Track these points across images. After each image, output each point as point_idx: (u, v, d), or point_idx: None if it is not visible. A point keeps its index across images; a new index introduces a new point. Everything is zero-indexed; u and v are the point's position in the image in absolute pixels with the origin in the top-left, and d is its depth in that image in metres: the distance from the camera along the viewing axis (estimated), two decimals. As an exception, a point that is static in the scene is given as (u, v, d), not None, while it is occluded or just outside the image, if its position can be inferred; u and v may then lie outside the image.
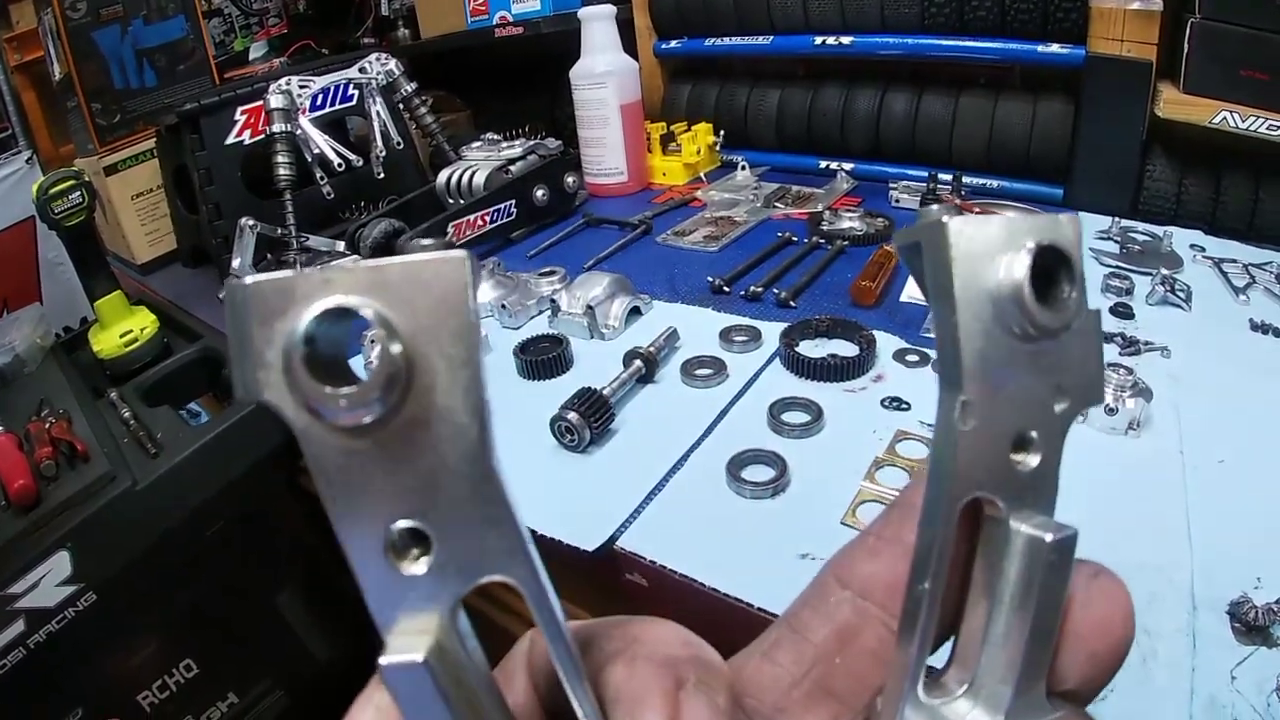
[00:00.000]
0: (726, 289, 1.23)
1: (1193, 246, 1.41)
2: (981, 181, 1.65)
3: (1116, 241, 1.39)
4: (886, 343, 1.03)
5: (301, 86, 1.49)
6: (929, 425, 0.90)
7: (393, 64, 1.65)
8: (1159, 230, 1.42)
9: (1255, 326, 1.15)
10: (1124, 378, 0.88)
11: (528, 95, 2.30)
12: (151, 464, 0.93)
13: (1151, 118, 1.51)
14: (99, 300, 1.19)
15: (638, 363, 0.99)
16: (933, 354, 1.03)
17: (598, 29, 1.72)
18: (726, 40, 1.91)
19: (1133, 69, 1.51)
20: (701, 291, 1.23)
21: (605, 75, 1.71)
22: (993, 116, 1.62)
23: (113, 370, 1.20)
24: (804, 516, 0.74)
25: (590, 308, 1.14)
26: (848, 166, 1.78)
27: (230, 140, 1.52)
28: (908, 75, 1.76)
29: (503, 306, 1.19)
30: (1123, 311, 1.14)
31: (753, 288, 1.20)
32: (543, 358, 1.02)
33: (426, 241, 1.31)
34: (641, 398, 0.96)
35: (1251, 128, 1.42)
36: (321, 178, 1.51)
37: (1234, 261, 1.35)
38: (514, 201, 1.55)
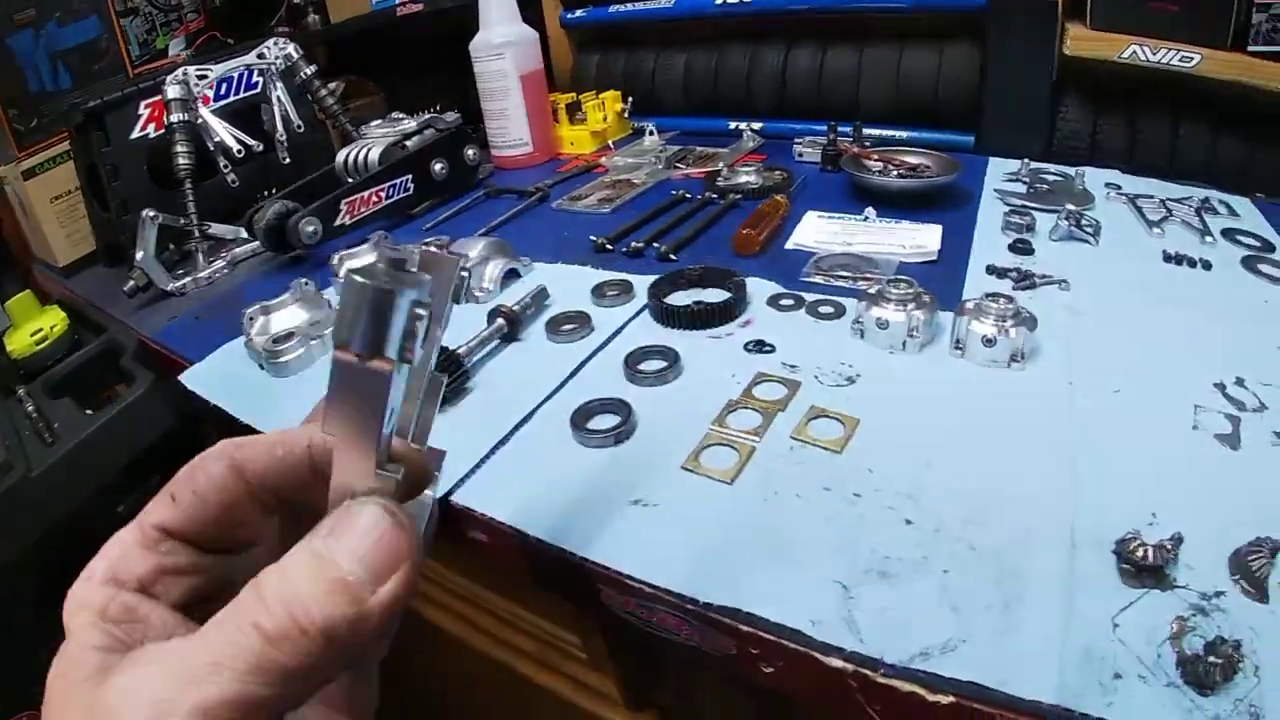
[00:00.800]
0: (609, 247, 1.19)
1: (1108, 185, 1.33)
2: (891, 133, 1.57)
3: (1024, 182, 1.31)
4: (761, 289, 0.96)
5: (200, 76, 1.43)
6: (792, 366, 0.81)
7: (290, 48, 1.57)
8: (1072, 170, 1.34)
9: (1169, 258, 1.07)
10: (1004, 307, 0.80)
11: (439, 73, 2.21)
12: (47, 452, 0.97)
13: (1061, 58, 1.43)
14: (9, 301, 1.26)
15: (500, 321, 0.93)
16: (809, 297, 0.95)
17: (494, 1, 1.64)
18: (630, 6, 1.85)
19: (1039, 8, 1.43)
20: (585, 252, 1.16)
21: (503, 46, 1.64)
22: (898, 67, 1.54)
23: (25, 368, 1.24)
24: (644, 463, 0.69)
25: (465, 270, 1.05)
26: (756, 126, 1.70)
27: (135, 135, 1.46)
28: (813, 31, 1.68)
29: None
30: (1021, 247, 1.06)
31: (634, 244, 1.13)
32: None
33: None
34: (504, 356, 0.90)
35: (1163, 60, 1.35)
36: (225, 165, 1.46)
37: (1150, 198, 1.27)
38: (410, 177, 1.47)
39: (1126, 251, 1.10)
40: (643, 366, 0.81)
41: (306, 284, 1.02)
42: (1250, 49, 1.30)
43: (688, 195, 1.35)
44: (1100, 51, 1.39)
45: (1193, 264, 1.06)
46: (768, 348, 0.86)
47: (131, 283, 1.20)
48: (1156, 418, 0.74)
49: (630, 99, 1.85)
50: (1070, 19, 1.44)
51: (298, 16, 2.34)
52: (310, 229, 1.28)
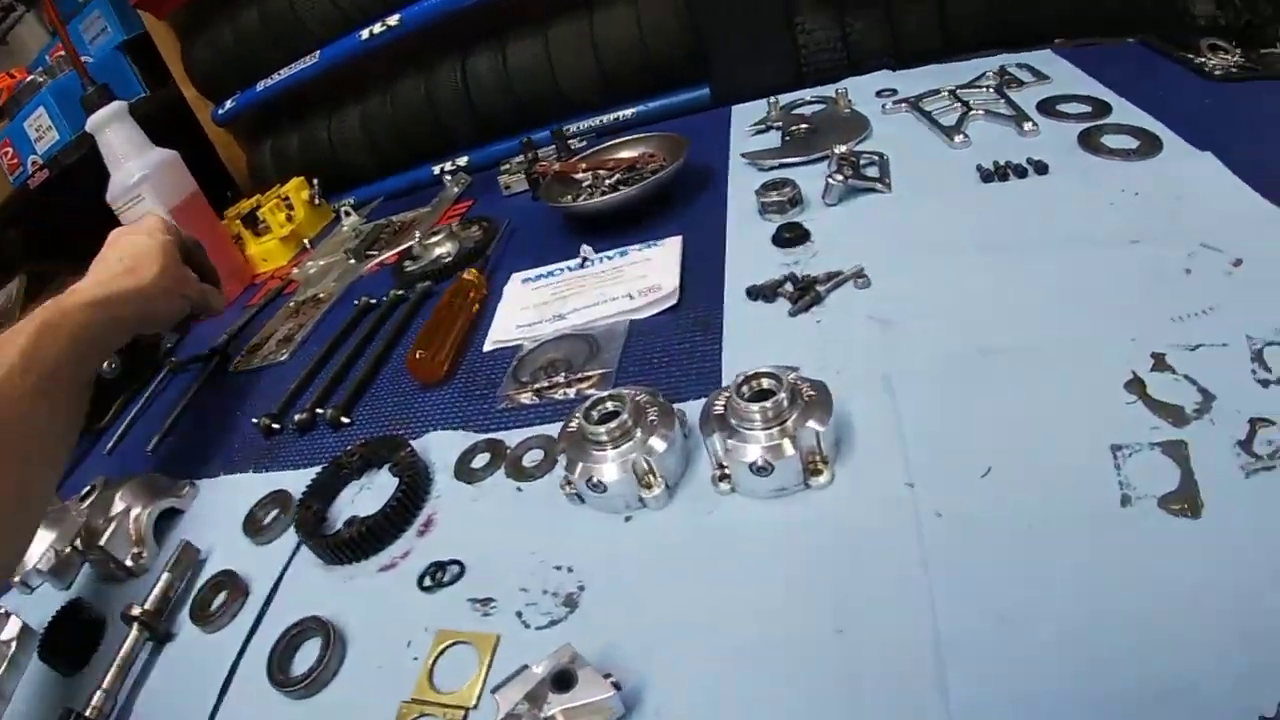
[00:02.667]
0: (276, 426, 0.86)
1: (881, 93, 1.04)
2: (613, 116, 1.27)
3: (777, 128, 1.00)
4: (445, 448, 0.68)
5: None
6: (485, 602, 0.50)
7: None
8: (832, 90, 1.04)
9: (987, 175, 0.79)
10: (769, 403, 0.48)
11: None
12: None
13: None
14: None
15: (135, 629, 0.62)
16: (509, 442, 0.63)
17: (111, 137, 1.26)
18: (276, 76, 1.49)
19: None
20: (255, 440, 0.87)
21: (139, 185, 1.26)
22: (592, 36, 1.23)
23: None
24: None
25: (98, 546, 0.73)
26: (461, 162, 1.38)
27: None
28: (487, 31, 1.36)
29: (43, 570, 0.77)
30: (789, 236, 0.75)
31: (298, 416, 0.83)
32: (65, 647, 0.66)
33: None
34: (161, 669, 0.61)
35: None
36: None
37: (936, 93, 0.99)
38: None
39: (930, 186, 0.80)
40: (294, 667, 0.53)
41: None
42: None
43: (372, 301, 1.01)
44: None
45: (1021, 172, 0.77)
46: (452, 571, 0.55)
47: None
48: (1061, 502, 0.44)
49: (316, 181, 1.50)
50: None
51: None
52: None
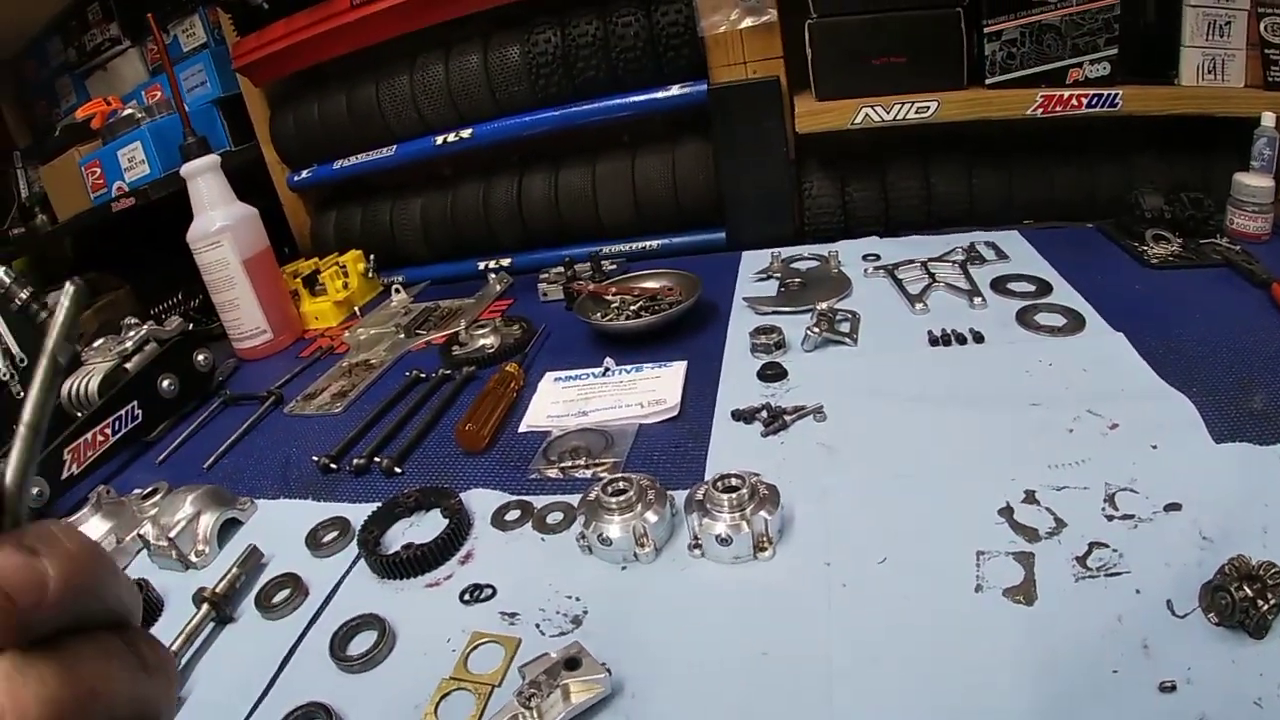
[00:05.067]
0: (334, 466, 1.01)
1: (866, 257, 1.24)
2: (642, 245, 1.47)
3: (776, 278, 1.20)
4: (485, 503, 0.83)
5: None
6: (511, 616, 0.67)
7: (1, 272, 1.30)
8: (825, 250, 1.25)
9: (935, 339, 0.98)
10: (736, 496, 0.67)
11: (183, 261, 2.02)
12: None
13: (796, 135, 1.35)
14: None
15: (205, 608, 0.76)
16: (538, 503, 0.80)
17: (202, 185, 1.46)
18: (355, 160, 1.70)
19: (760, 91, 1.36)
20: (312, 472, 1.00)
21: (220, 233, 1.45)
22: (632, 175, 1.44)
23: None
24: None
25: (169, 538, 0.86)
26: (505, 263, 1.58)
27: None
28: (545, 155, 1.58)
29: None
30: (770, 373, 0.94)
31: (356, 460, 0.97)
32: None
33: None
34: (218, 645, 0.74)
35: (900, 116, 1.28)
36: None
37: (911, 263, 1.19)
38: (136, 403, 1.24)
39: (888, 344, 1.00)
40: (351, 649, 0.68)
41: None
42: (989, 82, 1.25)
43: (422, 375, 1.19)
44: (831, 123, 1.31)
45: (962, 340, 0.96)
46: (486, 592, 0.71)
47: None
48: (931, 585, 0.61)
49: (373, 256, 1.69)
50: (800, 93, 1.37)
51: (27, 218, 2.20)
52: (34, 491, 1.05)
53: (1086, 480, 0.68)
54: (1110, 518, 0.64)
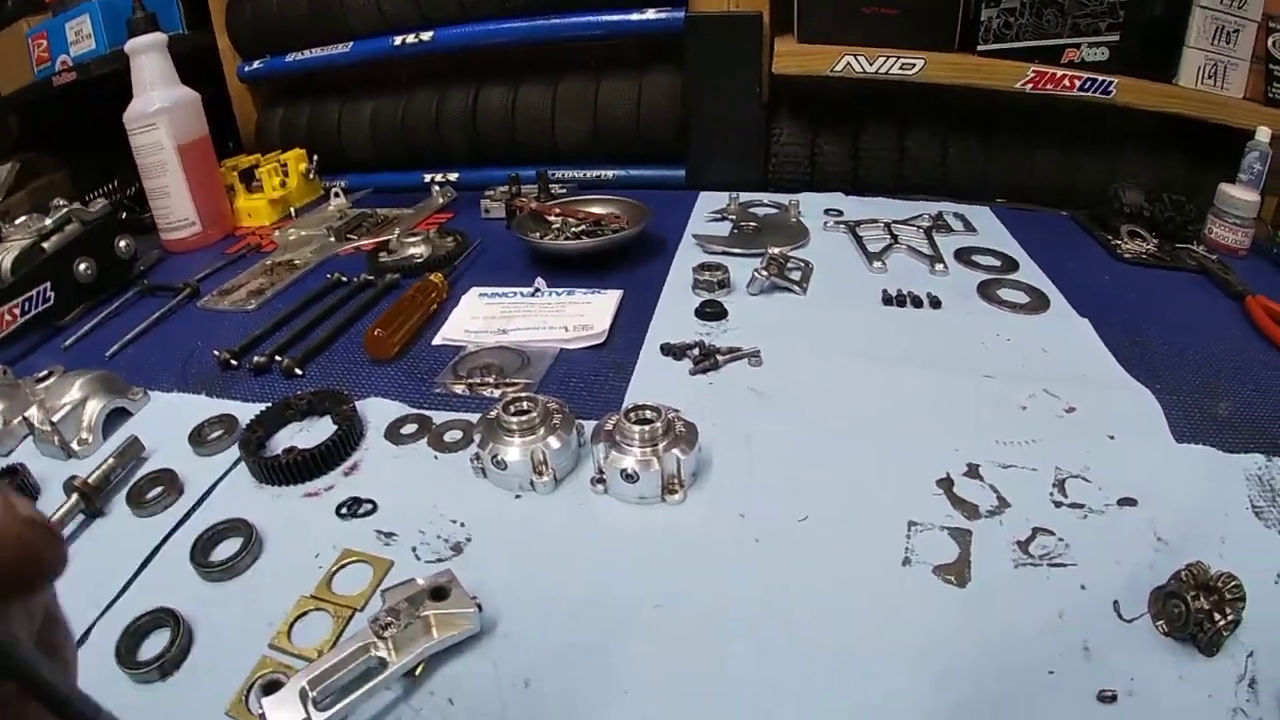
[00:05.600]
0: (235, 363, 0.94)
1: (828, 211, 1.17)
2: (596, 173, 1.39)
3: (731, 220, 1.13)
4: (383, 412, 0.77)
5: None
6: (388, 535, 0.60)
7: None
8: (786, 199, 1.18)
9: (890, 299, 0.92)
10: (649, 428, 0.60)
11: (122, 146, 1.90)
12: None
13: (771, 77, 1.27)
14: None
15: (74, 498, 0.69)
16: (437, 419, 0.73)
17: (145, 63, 1.35)
18: (308, 54, 1.59)
19: (740, 24, 1.27)
20: (212, 368, 0.95)
21: (157, 115, 1.34)
22: (596, 98, 1.35)
23: None
24: (191, 707, 0.50)
25: (51, 422, 0.80)
26: (452, 177, 1.49)
27: None
28: (506, 68, 1.48)
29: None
30: (710, 311, 0.87)
31: (257, 358, 0.92)
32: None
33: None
34: (88, 538, 0.68)
35: (882, 69, 1.21)
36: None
37: (874, 222, 1.12)
38: (49, 284, 1.15)
39: (839, 297, 0.93)
40: (214, 555, 0.61)
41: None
42: (980, 49, 1.19)
43: (344, 279, 1.11)
44: (811, 67, 1.24)
45: (918, 303, 0.91)
46: (366, 508, 0.64)
47: None
48: (855, 551, 0.55)
49: (315, 157, 1.58)
50: (780, 33, 1.29)
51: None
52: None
53: (1036, 462, 0.63)
54: (1059, 504, 0.59)
